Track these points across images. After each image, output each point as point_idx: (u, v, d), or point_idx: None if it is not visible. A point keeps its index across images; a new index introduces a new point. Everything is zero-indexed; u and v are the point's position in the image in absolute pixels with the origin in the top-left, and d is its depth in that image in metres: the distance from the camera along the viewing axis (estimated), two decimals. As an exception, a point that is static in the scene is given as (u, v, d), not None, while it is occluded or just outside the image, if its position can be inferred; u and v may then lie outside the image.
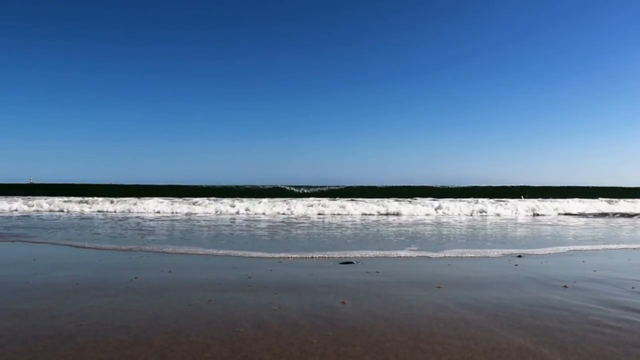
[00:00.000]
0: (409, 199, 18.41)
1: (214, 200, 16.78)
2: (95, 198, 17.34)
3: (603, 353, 2.36)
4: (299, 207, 14.31)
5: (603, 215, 14.37)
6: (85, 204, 15.60)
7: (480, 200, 17.77)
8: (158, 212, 14.42)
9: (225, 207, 14.73)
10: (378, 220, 11.50)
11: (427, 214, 13.77)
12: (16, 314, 2.99)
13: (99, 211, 14.79)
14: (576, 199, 18.09)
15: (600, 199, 18.75)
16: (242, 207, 14.55)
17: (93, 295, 3.52)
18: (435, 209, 14.40)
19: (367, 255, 5.51)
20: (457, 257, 5.54)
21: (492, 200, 18.12)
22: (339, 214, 13.45)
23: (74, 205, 15.39)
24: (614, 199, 18.82)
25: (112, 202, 16.05)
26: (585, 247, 6.43)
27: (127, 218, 11.97)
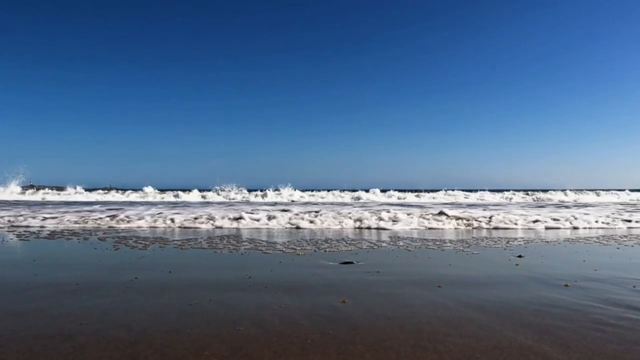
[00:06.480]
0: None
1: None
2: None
3: (605, 351, 2.35)
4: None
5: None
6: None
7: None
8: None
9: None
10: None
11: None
12: (17, 313, 2.99)
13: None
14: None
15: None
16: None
17: (93, 295, 3.51)
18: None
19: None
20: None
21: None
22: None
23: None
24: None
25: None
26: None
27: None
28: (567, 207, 17.88)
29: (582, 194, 29.96)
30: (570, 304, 3.26)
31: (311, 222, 9.65)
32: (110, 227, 9.11)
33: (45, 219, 9.90)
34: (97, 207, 14.42)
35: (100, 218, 10.03)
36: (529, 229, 9.13)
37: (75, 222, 9.58)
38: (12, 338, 2.51)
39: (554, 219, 10.14)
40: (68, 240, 7.00)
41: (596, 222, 10.02)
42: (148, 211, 11.98)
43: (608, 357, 2.28)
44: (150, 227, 9.13)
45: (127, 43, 44.88)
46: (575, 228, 9.36)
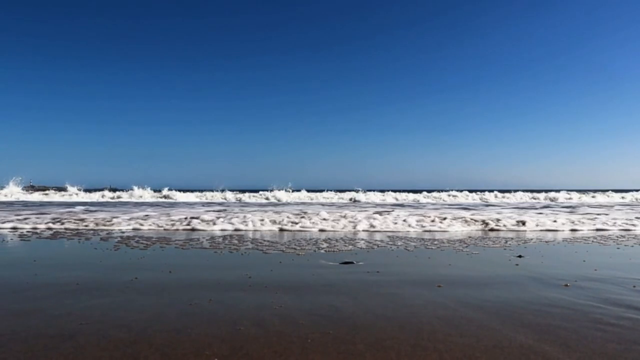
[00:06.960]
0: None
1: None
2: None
3: (605, 350, 2.35)
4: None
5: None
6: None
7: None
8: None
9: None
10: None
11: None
12: (17, 313, 2.99)
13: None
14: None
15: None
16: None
17: (94, 295, 3.51)
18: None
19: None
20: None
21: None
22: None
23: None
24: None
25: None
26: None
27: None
28: (572, 207, 17.85)
29: (585, 194, 29.98)
30: (570, 304, 3.26)
31: (302, 225, 9.19)
32: (78, 230, 9.10)
33: (12, 221, 9.54)
34: (80, 208, 14.36)
35: (78, 221, 9.78)
36: (550, 230, 9.10)
37: (48, 222, 9.32)
38: (12, 338, 2.51)
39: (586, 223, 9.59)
40: (69, 240, 7.01)
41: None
42: (134, 213, 11.79)
43: (608, 356, 2.28)
44: (132, 228, 8.91)
45: (127, 43, 45.10)
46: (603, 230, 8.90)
